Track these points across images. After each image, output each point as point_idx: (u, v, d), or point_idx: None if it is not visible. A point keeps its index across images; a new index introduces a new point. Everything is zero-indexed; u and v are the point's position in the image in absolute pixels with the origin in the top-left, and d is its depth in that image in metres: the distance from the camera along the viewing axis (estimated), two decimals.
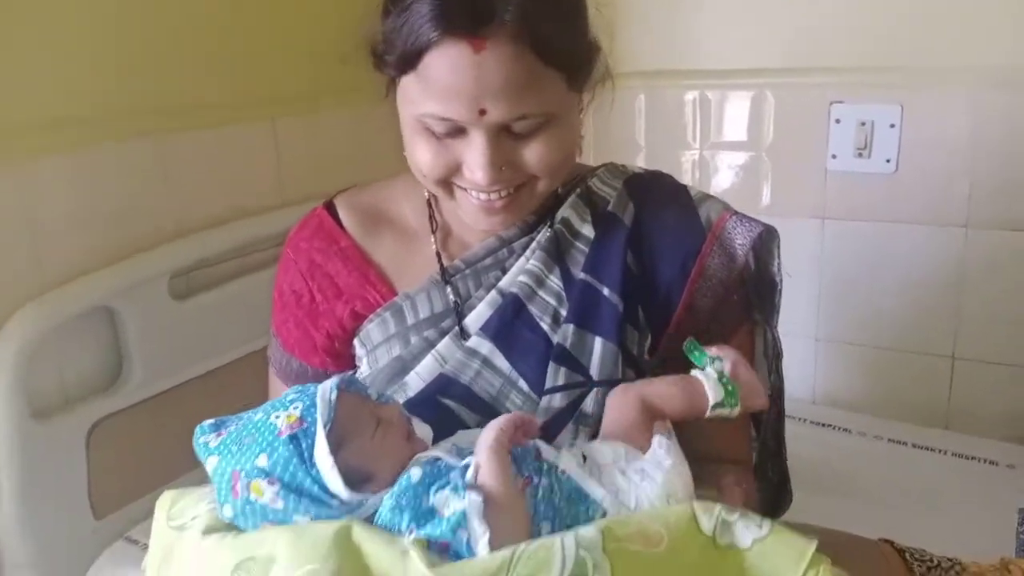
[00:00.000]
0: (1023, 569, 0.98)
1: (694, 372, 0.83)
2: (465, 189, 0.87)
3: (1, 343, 1.22)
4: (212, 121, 1.51)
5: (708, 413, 0.82)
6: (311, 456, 0.73)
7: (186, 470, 1.37)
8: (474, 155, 0.82)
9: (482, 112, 0.79)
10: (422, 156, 0.85)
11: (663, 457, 0.77)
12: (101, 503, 1.37)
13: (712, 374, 0.82)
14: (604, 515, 0.74)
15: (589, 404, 0.88)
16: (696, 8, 1.81)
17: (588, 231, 0.95)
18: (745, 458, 1.02)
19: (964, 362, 1.68)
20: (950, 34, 1.58)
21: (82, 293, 1.31)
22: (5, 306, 1.23)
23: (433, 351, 0.92)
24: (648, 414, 0.82)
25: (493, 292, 0.94)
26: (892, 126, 1.64)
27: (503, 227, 0.93)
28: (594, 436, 0.87)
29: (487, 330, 0.92)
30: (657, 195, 0.98)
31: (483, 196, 0.86)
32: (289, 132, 1.64)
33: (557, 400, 0.88)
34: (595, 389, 0.88)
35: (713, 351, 0.84)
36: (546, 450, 0.80)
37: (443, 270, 0.96)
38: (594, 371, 0.89)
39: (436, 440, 0.83)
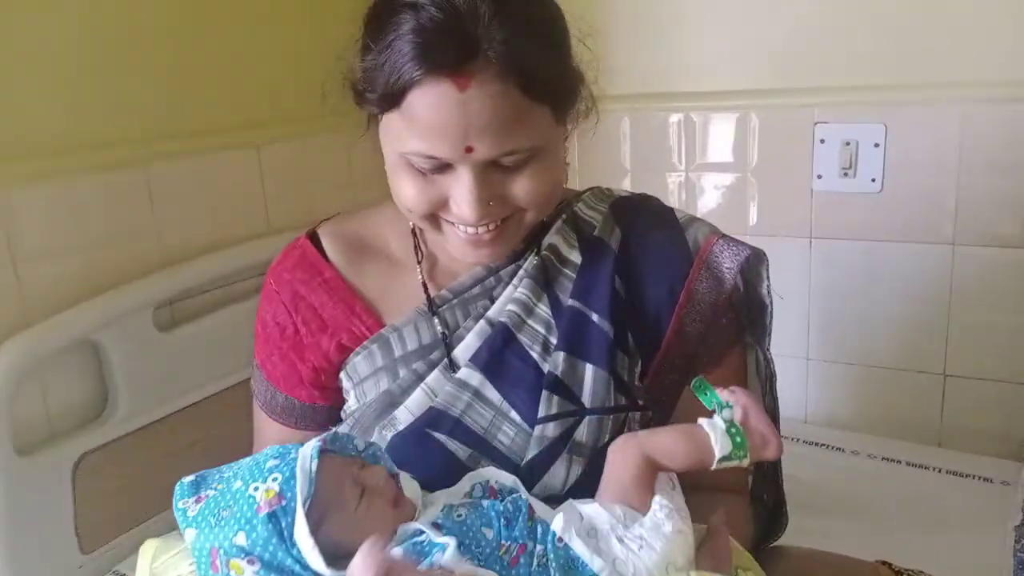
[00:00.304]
0: None
1: (701, 421, 0.79)
2: (452, 223, 0.85)
3: None
4: (197, 148, 1.50)
5: (715, 465, 0.78)
6: (291, 535, 0.71)
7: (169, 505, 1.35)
8: (461, 191, 0.81)
9: (468, 150, 0.78)
10: (407, 192, 0.83)
11: (662, 522, 0.75)
12: (88, 537, 1.35)
13: (720, 425, 0.78)
14: None
15: (582, 433, 0.87)
16: (679, 30, 1.81)
17: (575, 257, 0.94)
18: (739, 486, 1.00)
19: (955, 379, 1.67)
20: (934, 50, 1.58)
21: (65, 326, 1.30)
22: None
23: (423, 384, 0.91)
24: (651, 469, 0.79)
25: (482, 322, 0.92)
26: (876, 145, 1.65)
27: (491, 260, 0.91)
28: (588, 464, 0.86)
29: (477, 361, 0.90)
30: (643, 218, 0.97)
31: (471, 230, 0.85)
32: (274, 159, 1.64)
33: (550, 429, 0.86)
34: (587, 418, 0.87)
35: (724, 395, 0.80)
36: (540, 508, 0.78)
37: (430, 301, 0.94)
38: (586, 399, 0.88)
39: (427, 476, 0.82)
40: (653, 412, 0.92)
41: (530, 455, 0.86)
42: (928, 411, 1.70)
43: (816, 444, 1.69)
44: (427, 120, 0.77)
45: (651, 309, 0.93)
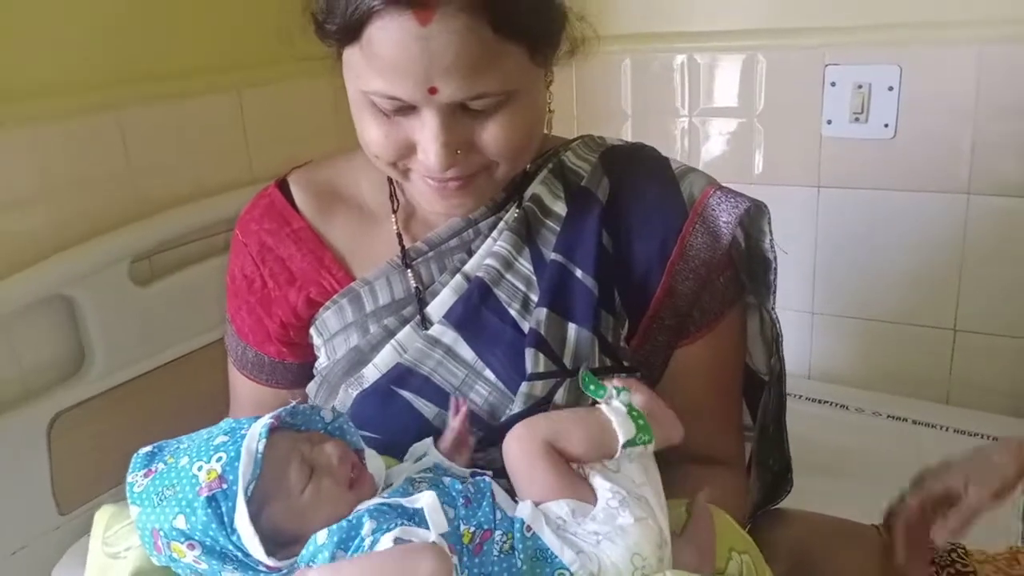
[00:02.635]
0: None
1: (600, 405, 0.75)
2: (413, 168, 0.80)
3: None
4: (173, 91, 1.43)
5: (619, 453, 0.72)
6: (231, 521, 0.66)
7: None
8: (426, 136, 0.75)
9: (432, 91, 0.71)
10: (371, 135, 0.78)
11: (616, 512, 0.69)
12: (65, 498, 1.31)
13: (620, 408, 0.73)
14: None
15: (562, 396, 0.82)
16: None
17: (560, 208, 0.88)
18: (732, 458, 0.96)
19: (966, 334, 1.62)
20: None
21: (37, 281, 1.24)
22: None
23: (392, 340, 0.87)
24: (558, 457, 0.72)
25: (458, 276, 0.87)
26: (890, 89, 1.56)
27: (462, 212, 0.86)
28: None
29: (451, 317, 0.86)
30: (635, 169, 0.90)
31: (437, 179, 0.79)
32: (256, 103, 1.57)
33: (539, 388, 0.81)
34: (568, 380, 0.82)
35: (615, 382, 0.76)
36: (501, 496, 0.72)
37: (404, 253, 0.90)
38: (568, 360, 0.83)
39: (391, 435, 0.78)
40: (642, 374, 0.87)
41: (514, 410, 0.81)
42: (937, 367, 1.65)
43: (819, 401, 1.64)
44: (387, 56, 0.71)
45: (640, 266, 0.87)
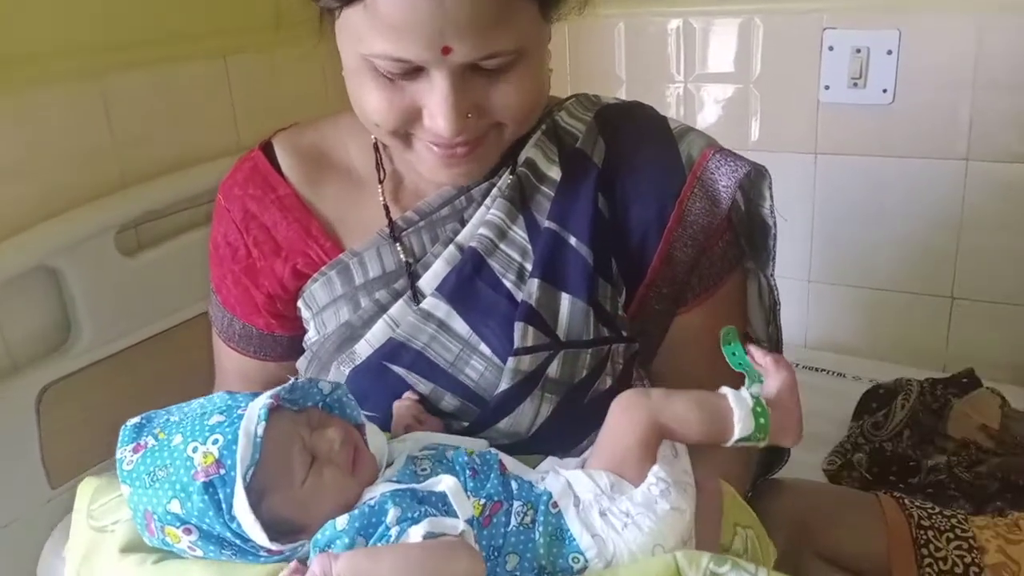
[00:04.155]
0: None
1: (726, 391, 0.70)
2: (423, 139, 0.76)
3: None
4: (157, 57, 1.39)
5: (730, 444, 0.69)
6: (230, 508, 0.63)
7: None
8: (437, 100, 0.71)
9: (446, 50, 0.67)
10: (373, 103, 0.73)
11: (656, 499, 0.66)
12: (56, 471, 1.30)
13: (748, 400, 0.68)
14: (583, 569, 0.65)
15: (556, 368, 0.80)
16: None
17: (554, 173, 0.85)
18: None
19: (963, 302, 1.61)
20: None
21: (20, 252, 1.21)
22: None
23: (385, 315, 0.84)
24: (656, 437, 0.69)
25: (451, 247, 0.84)
26: (889, 53, 1.54)
27: (466, 180, 0.82)
28: (560, 404, 0.79)
29: (444, 290, 0.83)
30: (632, 129, 0.86)
31: (444, 145, 0.75)
32: (243, 69, 1.53)
33: (525, 363, 0.79)
34: (562, 352, 0.80)
35: (761, 360, 0.70)
36: (511, 464, 0.70)
37: (392, 226, 0.86)
38: (562, 331, 0.80)
39: (385, 412, 0.76)
40: (639, 344, 0.85)
41: (501, 388, 0.79)
42: (934, 335, 1.65)
43: (816, 369, 1.63)
44: (396, 15, 0.66)
45: (637, 232, 0.84)
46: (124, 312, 1.35)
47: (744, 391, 0.69)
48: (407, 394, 0.82)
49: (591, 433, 0.79)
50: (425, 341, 0.82)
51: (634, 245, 0.84)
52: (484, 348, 0.81)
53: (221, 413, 0.67)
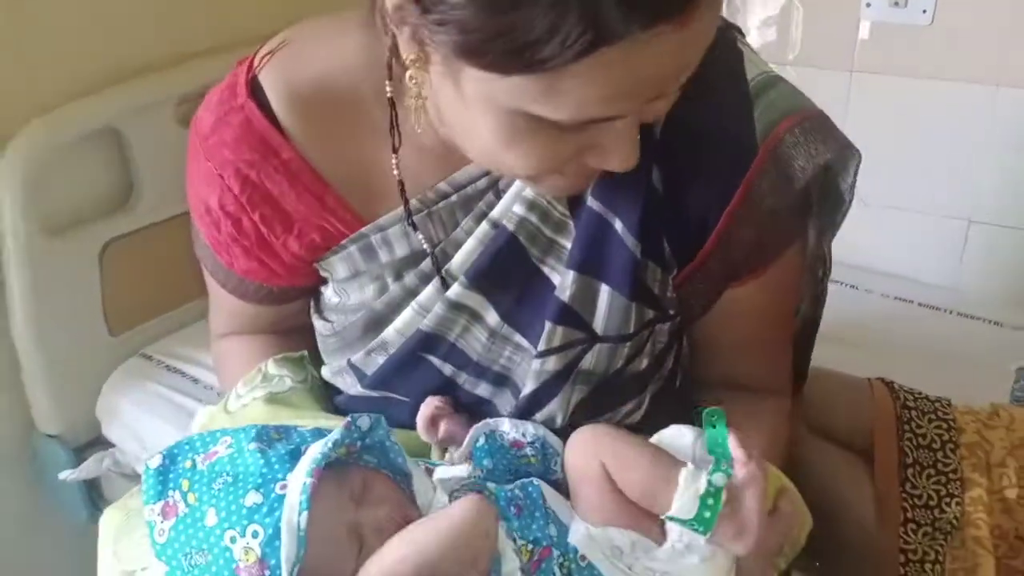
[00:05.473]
0: (1012, 415, 1.00)
1: (684, 468, 0.62)
2: (562, 174, 0.64)
3: (8, 158, 1.22)
4: None
5: (662, 515, 0.63)
6: None
7: (196, 295, 1.40)
8: (619, 139, 0.59)
9: (660, 96, 0.57)
10: (530, 155, 0.60)
11: (684, 554, 0.62)
12: (116, 320, 1.40)
13: (701, 486, 0.61)
14: None
15: (590, 361, 0.74)
16: None
17: None
18: (783, 386, 0.86)
19: (980, 225, 1.65)
20: None
21: (88, 112, 1.30)
22: (10, 122, 1.22)
23: (414, 303, 0.75)
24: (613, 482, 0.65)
25: (484, 224, 0.73)
26: None
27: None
28: (593, 391, 0.75)
29: (476, 274, 0.73)
30: (700, 85, 0.60)
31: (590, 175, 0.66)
32: None
33: (551, 363, 0.73)
34: (598, 345, 0.74)
35: (736, 450, 0.62)
36: (551, 497, 0.66)
37: (408, 210, 0.74)
38: (599, 325, 0.73)
39: (419, 396, 0.77)
40: (680, 318, 0.79)
41: (528, 388, 0.74)
42: (948, 255, 1.69)
43: (830, 280, 1.68)
44: (629, 78, 0.53)
45: (695, 212, 0.72)
46: (182, 179, 1.42)
47: (704, 475, 0.61)
48: (433, 400, 0.77)
49: (620, 407, 0.78)
50: (458, 332, 0.75)
51: (691, 226, 0.72)
52: (519, 338, 0.75)
53: (257, 490, 0.61)
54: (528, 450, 0.71)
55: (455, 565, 0.59)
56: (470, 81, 0.56)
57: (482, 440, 0.71)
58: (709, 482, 0.61)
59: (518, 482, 0.68)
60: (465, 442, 0.71)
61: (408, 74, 0.61)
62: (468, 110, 0.59)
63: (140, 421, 1.33)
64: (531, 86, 0.53)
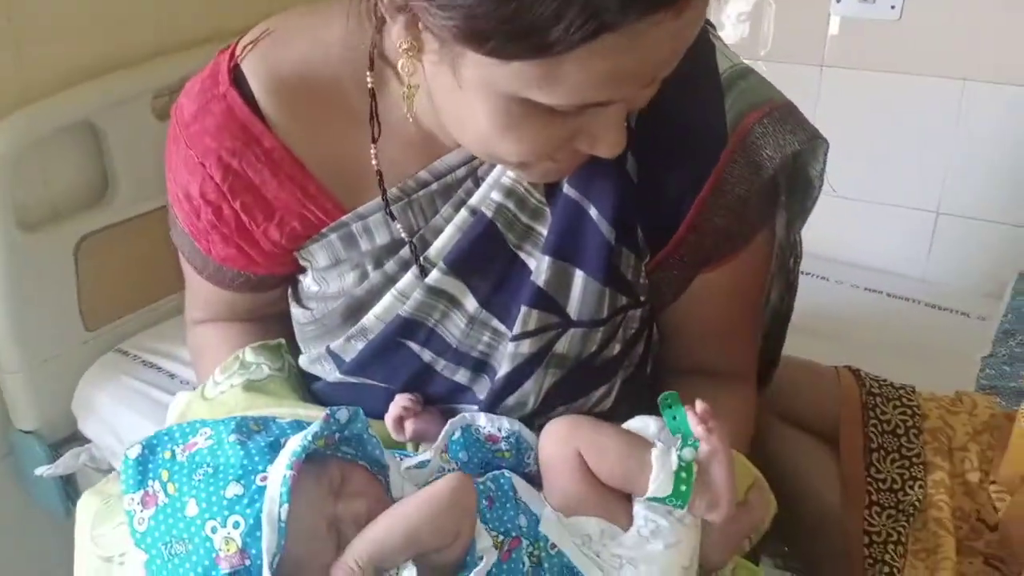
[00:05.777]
0: (975, 401, 1.03)
1: (655, 449, 0.65)
2: (554, 160, 0.66)
3: None
4: None
5: (639, 500, 0.66)
6: None
7: (173, 290, 1.41)
8: (608, 124, 0.61)
9: (652, 81, 0.60)
10: (528, 142, 0.62)
11: (648, 541, 0.65)
12: (92, 315, 1.41)
13: (672, 463, 0.64)
14: None
15: (564, 345, 0.75)
16: None
17: None
18: (748, 372, 0.88)
19: (948, 217, 1.69)
20: None
21: (65, 106, 1.30)
22: None
23: (393, 289, 0.76)
24: (587, 470, 0.67)
25: (463, 211, 0.74)
26: None
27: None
28: (566, 374, 0.77)
29: (454, 260, 0.74)
30: (675, 71, 0.61)
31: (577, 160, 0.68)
32: None
33: (525, 346, 0.75)
34: (572, 330, 0.75)
35: (696, 427, 0.65)
36: (522, 488, 0.68)
37: (387, 200, 0.75)
38: (573, 310, 0.74)
39: (398, 382, 0.78)
40: (650, 304, 0.80)
41: (503, 370, 0.76)
42: (916, 247, 1.73)
43: (801, 272, 1.70)
44: (624, 63, 0.55)
45: (668, 200, 0.73)
46: (158, 173, 1.42)
47: (674, 452, 0.65)
48: (401, 400, 0.78)
49: (592, 392, 0.80)
50: (437, 318, 0.76)
51: (664, 213, 0.74)
52: (496, 323, 0.76)
53: (238, 482, 0.61)
54: (503, 444, 0.72)
55: (439, 538, 0.61)
56: (469, 67, 0.58)
57: (458, 434, 0.72)
58: (679, 457, 0.64)
59: (490, 474, 0.69)
60: (441, 435, 0.72)
61: (400, 63, 0.62)
62: (464, 97, 0.60)
63: (116, 416, 1.33)
64: (531, 72, 0.55)
